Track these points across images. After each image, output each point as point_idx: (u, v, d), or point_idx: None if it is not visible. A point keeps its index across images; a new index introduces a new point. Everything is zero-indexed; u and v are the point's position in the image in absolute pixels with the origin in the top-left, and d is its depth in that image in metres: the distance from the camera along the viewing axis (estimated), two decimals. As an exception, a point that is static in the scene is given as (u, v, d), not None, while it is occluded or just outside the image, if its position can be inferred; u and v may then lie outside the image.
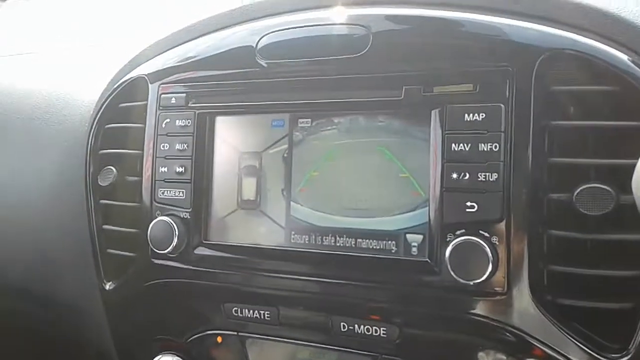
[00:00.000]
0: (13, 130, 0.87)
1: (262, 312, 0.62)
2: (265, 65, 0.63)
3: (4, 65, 0.99)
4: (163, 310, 0.69)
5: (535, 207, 0.51)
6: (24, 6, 1.29)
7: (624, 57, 0.50)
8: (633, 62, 0.50)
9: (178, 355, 0.67)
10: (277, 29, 0.63)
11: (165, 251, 0.65)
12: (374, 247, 0.58)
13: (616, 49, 0.51)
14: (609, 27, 0.52)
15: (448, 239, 0.53)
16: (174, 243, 0.64)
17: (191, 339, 0.67)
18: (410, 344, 0.56)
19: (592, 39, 0.52)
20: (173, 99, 0.68)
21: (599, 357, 0.49)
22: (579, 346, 0.50)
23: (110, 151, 0.74)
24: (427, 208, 0.55)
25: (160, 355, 0.68)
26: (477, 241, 0.51)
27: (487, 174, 0.52)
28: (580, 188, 0.49)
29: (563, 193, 0.50)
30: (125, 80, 0.74)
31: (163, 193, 0.67)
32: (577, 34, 0.52)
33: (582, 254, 0.50)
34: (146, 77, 0.72)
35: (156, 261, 0.67)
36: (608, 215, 0.48)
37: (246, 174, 0.64)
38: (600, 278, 0.49)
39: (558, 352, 0.50)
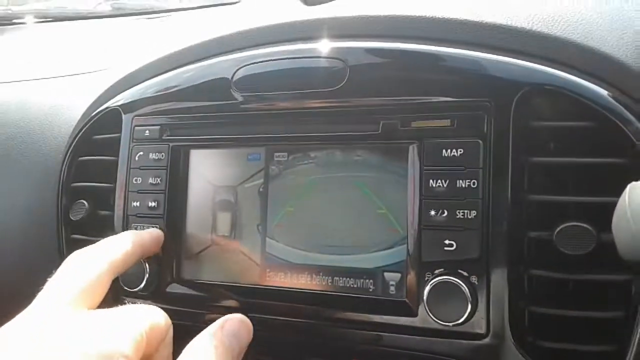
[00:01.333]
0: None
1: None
2: (241, 98, 0.61)
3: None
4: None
5: (514, 246, 0.49)
6: (5, 35, 1.28)
7: (604, 92, 0.49)
8: (613, 97, 0.49)
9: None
10: (253, 61, 0.62)
11: (136, 289, 0.62)
12: (351, 285, 0.56)
13: (596, 84, 0.50)
14: (589, 62, 0.51)
15: (426, 278, 0.51)
16: (145, 281, 0.62)
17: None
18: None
19: (572, 74, 0.51)
20: (147, 131, 0.67)
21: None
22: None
23: (83, 184, 0.72)
24: (405, 245, 0.54)
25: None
26: (456, 281, 0.49)
27: (466, 211, 0.51)
28: (561, 227, 0.47)
29: (543, 231, 0.49)
30: (99, 112, 0.73)
31: (135, 228, 0.65)
32: (557, 69, 0.51)
33: (563, 294, 0.48)
34: (120, 109, 0.70)
35: (127, 299, 0.64)
36: (589, 255, 0.46)
37: (221, 208, 0.63)
38: (583, 320, 0.47)
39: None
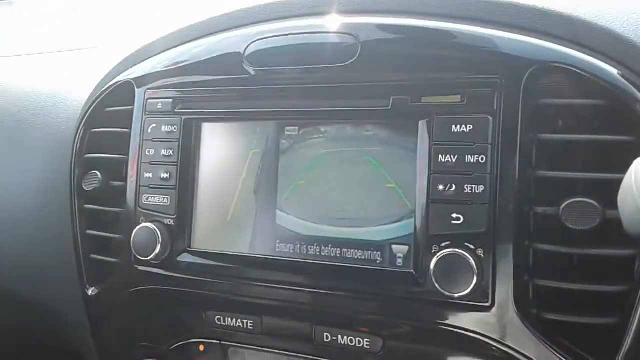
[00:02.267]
0: (0, 131, 0.86)
1: (245, 321, 0.62)
2: (253, 72, 0.62)
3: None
4: (145, 317, 0.69)
5: (521, 220, 0.51)
6: (16, 7, 1.28)
7: (613, 70, 0.50)
8: (622, 76, 0.50)
9: (161, 364, 0.66)
10: (265, 36, 0.62)
11: (148, 258, 0.64)
12: (359, 257, 0.57)
13: (606, 62, 0.50)
14: (599, 40, 0.52)
15: (433, 251, 0.52)
16: (157, 250, 0.63)
17: (173, 346, 0.66)
18: (394, 356, 0.55)
19: (582, 52, 0.51)
20: (159, 104, 0.68)
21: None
22: (563, 361, 0.49)
23: (96, 155, 0.74)
24: (413, 219, 0.55)
25: (144, 362, 0.67)
26: (463, 253, 0.50)
27: (474, 186, 0.52)
28: (567, 202, 0.48)
29: (549, 207, 0.50)
30: (112, 85, 0.74)
31: (147, 199, 0.67)
32: (567, 47, 0.52)
33: (567, 268, 0.50)
34: (133, 82, 0.71)
35: (139, 268, 0.66)
36: (594, 230, 0.47)
37: (231, 181, 0.64)
38: (586, 293, 0.49)
39: (542, 367, 0.50)
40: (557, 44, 0.52)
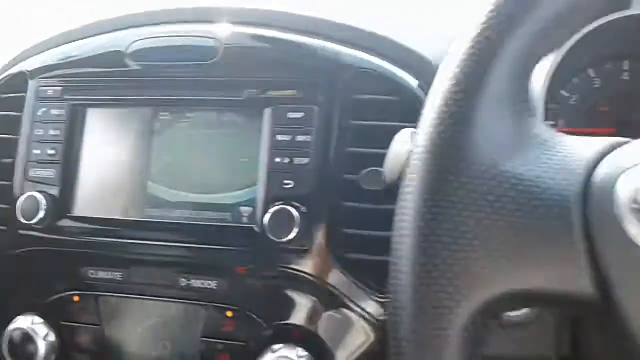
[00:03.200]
0: None
1: (115, 273, 0.72)
2: (132, 67, 0.75)
3: None
4: (26, 276, 0.77)
5: (335, 184, 0.66)
6: None
7: (404, 74, 0.68)
8: (416, 83, 0.68)
9: (38, 315, 0.75)
10: (146, 36, 0.75)
11: (32, 222, 0.73)
12: (214, 217, 0.70)
13: (400, 67, 0.68)
14: (396, 53, 0.69)
15: (269, 209, 0.66)
16: (40, 215, 0.73)
17: (50, 299, 0.75)
18: (238, 292, 0.69)
19: (384, 61, 0.69)
20: (50, 91, 0.78)
21: (381, 301, 0.65)
22: (365, 292, 0.65)
23: (-12, 136, 0.82)
24: (257, 186, 0.69)
25: (21, 315, 0.75)
26: (289, 209, 0.65)
27: (302, 158, 0.67)
28: (365, 170, 0.65)
29: (354, 174, 0.66)
30: (7, 75, 0.83)
31: (35, 172, 0.76)
32: (374, 55, 0.69)
33: (365, 219, 0.65)
34: (27, 72, 0.81)
35: (22, 232, 0.75)
36: (382, 191, 0.64)
37: (110, 158, 0.75)
38: (381, 237, 0.64)
39: (349, 299, 0.65)
40: (367, 54, 0.69)
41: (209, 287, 0.69)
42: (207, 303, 0.70)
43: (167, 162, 0.73)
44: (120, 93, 0.76)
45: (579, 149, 0.37)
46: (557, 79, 0.73)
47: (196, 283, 0.70)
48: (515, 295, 0.35)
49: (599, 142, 0.38)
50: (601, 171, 0.35)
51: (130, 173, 0.74)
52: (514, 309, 0.49)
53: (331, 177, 0.66)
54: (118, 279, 0.72)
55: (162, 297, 0.72)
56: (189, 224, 0.71)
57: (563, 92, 0.79)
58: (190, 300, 0.70)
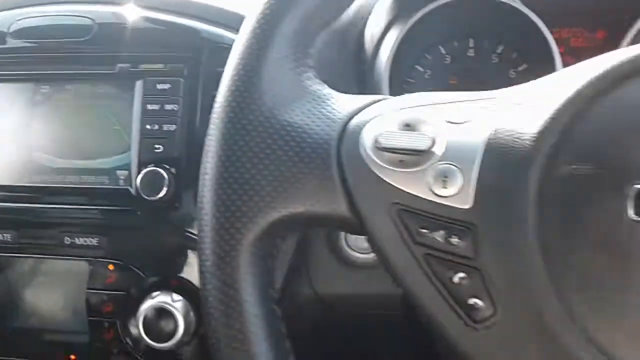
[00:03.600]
0: None
1: (6, 235, 0.79)
2: (14, 45, 0.80)
3: None
4: None
5: (200, 148, 0.72)
6: None
7: None
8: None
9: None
10: (25, 16, 0.81)
11: None
12: (94, 181, 0.77)
13: None
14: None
15: (141, 171, 0.74)
16: None
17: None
18: (119, 249, 0.77)
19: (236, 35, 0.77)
20: None
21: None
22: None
23: None
24: (130, 151, 0.77)
25: None
26: (159, 171, 0.73)
27: (170, 125, 0.75)
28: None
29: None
30: None
31: None
32: (229, 32, 0.78)
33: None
34: None
35: None
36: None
37: (-1, 128, 0.81)
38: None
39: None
40: (223, 31, 0.78)
41: (91, 244, 0.77)
42: (91, 258, 0.78)
43: (49, 132, 0.80)
44: (3, 69, 0.81)
45: (345, 103, 0.48)
46: (406, 54, 0.84)
47: (79, 241, 0.77)
48: (293, 217, 0.45)
49: (363, 99, 0.48)
50: (355, 120, 0.46)
51: (15, 143, 0.80)
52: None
53: (197, 141, 0.75)
54: (8, 240, 0.79)
55: (50, 254, 0.79)
56: (71, 187, 0.78)
57: (418, 67, 0.90)
58: (76, 257, 0.78)
